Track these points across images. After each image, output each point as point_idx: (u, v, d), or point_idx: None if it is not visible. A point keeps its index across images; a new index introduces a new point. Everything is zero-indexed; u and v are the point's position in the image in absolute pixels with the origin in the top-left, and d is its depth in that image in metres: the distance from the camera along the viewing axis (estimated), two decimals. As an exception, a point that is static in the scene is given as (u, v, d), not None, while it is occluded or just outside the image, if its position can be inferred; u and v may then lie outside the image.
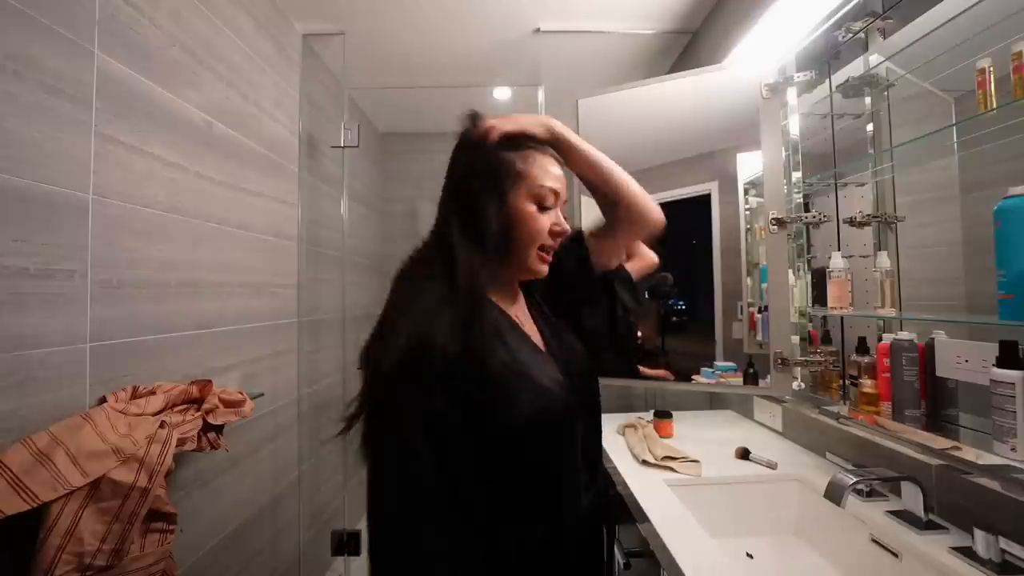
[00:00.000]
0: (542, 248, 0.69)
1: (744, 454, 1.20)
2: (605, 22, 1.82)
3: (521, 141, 0.69)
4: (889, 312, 0.95)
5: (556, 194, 0.68)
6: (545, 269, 0.70)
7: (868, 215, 1.02)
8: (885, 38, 1.00)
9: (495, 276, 0.69)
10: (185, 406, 1.06)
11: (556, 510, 0.63)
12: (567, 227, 0.69)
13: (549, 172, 0.69)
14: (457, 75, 2.22)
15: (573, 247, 0.78)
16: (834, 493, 0.81)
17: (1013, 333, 0.70)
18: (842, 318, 1.11)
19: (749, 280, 1.31)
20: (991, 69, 0.75)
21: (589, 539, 0.70)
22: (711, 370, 1.35)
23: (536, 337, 0.72)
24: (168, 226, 1.14)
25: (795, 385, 1.18)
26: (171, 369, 1.15)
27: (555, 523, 0.63)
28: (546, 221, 0.68)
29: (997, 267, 0.71)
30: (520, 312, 0.74)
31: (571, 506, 0.65)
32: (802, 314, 1.21)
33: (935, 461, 0.88)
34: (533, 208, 0.67)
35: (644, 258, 1.02)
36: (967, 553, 0.75)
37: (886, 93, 1.02)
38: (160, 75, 1.11)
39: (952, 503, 0.86)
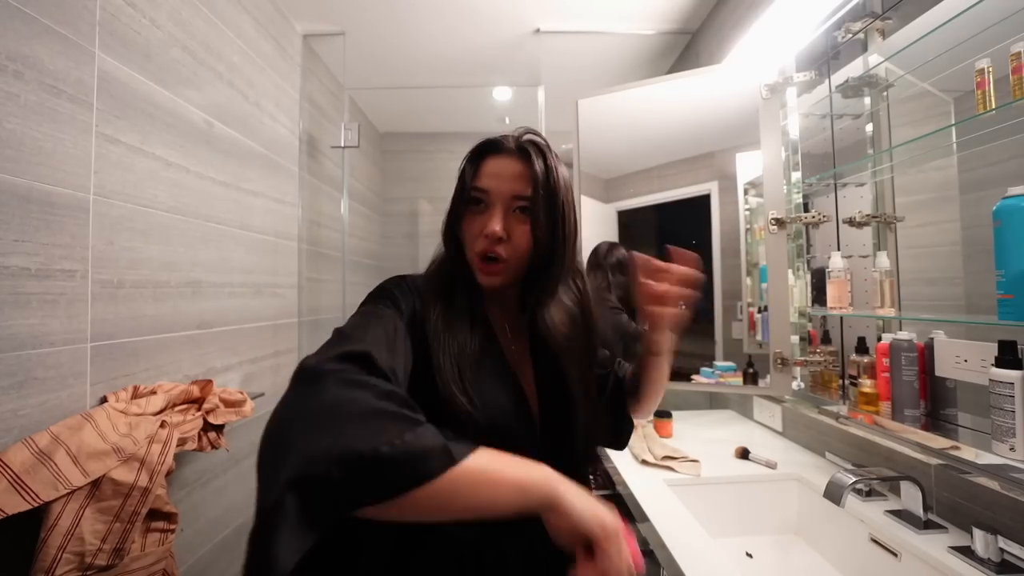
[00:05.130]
0: (480, 256, 0.63)
1: (744, 454, 1.20)
2: (605, 22, 1.82)
3: None
4: (888, 312, 0.95)
5: (485, 193, 0.62)
6: (485, 279, 0.64)
7: (867, 215, 1.02)
8: (884, 38, 1.00)
9: (473, 290, 0.65)
10: (186, 406, 1.07)
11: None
12: (494, 229, 0.61)
13: (482, 171, 0.64)
14: (457, 75, 2.22)
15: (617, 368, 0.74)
16: (833, 492, 0.81)
17: (1012, 333, 0.70)
18: (841, 318, 1.11)
19: (749, 280, 1.31)
20: (990, 69, 0.75)
21: None
22: (711, 370, 1.35)
23: (523, 364, 0.67)
24: (169, 226, 1.14)
25: (794, 385, 1.18)
26: (172, 369, 1.15)
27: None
28: (477, 225, 0.63)
29: (996, 267, 0.71)
30: (520, 336, 0.69)
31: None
32: (802, 314, 1.21)
33: (934, 461, 0.88)
34: (466, 212, 0.64)
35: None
36: (966, 552, 0.75)
37: (885, 93, 1.02)
38: (160, 75, 1.12)
39: (951, 502, 0.86)
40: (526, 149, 0.63)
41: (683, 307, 0.66)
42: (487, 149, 0.65)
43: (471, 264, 0.64)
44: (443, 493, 0.41)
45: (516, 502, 0.45)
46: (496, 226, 0.61)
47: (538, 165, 0.62)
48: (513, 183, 0.62)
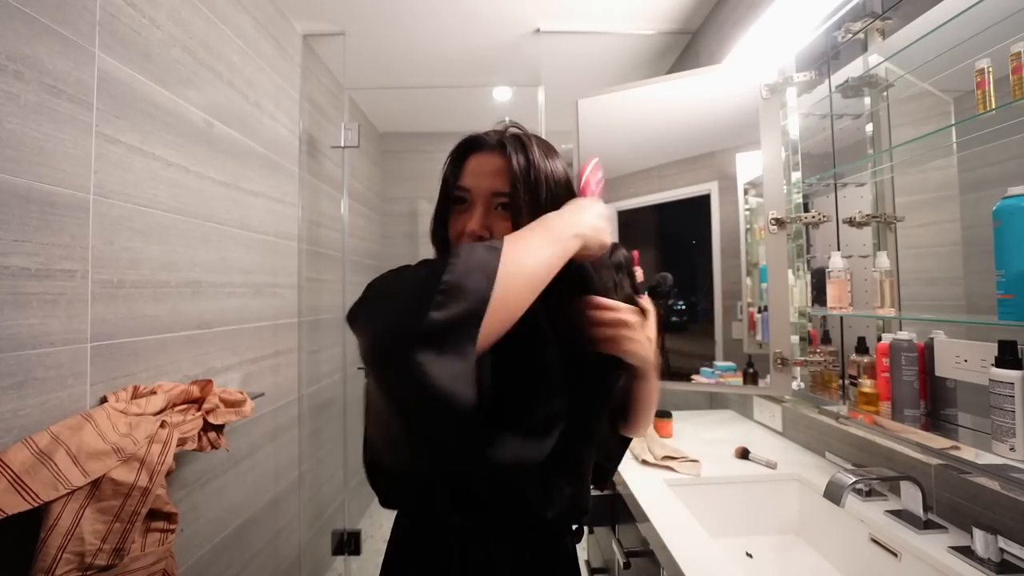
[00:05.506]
0: None
1: (744, 454, 1.20)
2: (605, 22, 1.82)
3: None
4: (888, 312, 0.95)
5: (467, 192, 0.62)
6: None
7: (867, 215, 1.02)
8: (884, 38, 1.00)
9: None
10: (186, 406, 1.07)
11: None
12: (472, 228, 0.60)
13: (464, 169, 0.63)
14: (457, 75, 2.22)
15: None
16: (833, 493, 0.81)
17: (1012, 333, 0.70)
18: (841, 318, 1.11)
19: (749, 280, 1.31)
20: (990, 69, 0.75)
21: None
22: (711, 370, 1.35)
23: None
24: (168, 226, 1.14)
25: (794, 385, 1.18)
26: (172, 369, 1.15)
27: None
28: (459, 224, 0.62)
29: (996, 267, 0.71)
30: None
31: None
32: (802, 314, 1.21)
33: (934, 461, 0.88)
34: (451, 211, 0.64)
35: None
36: (966, 552, 0.75)
37: (885, 93, 1.02)
38: (160, 75, 1.12)
39: (951, 502, 0.86)
40: (506, 145, 0.62)
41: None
42: (469, 146, 0.64)
43: None
44: (508, 294, 0.45)
45: (559, 264, 0.52)
46: (474, 225, 0.60)
47: (517, 160, 0.60)
48: (492, 179, 0.61)
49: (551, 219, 0.55)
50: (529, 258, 0.49)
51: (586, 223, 0.56)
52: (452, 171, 0.65)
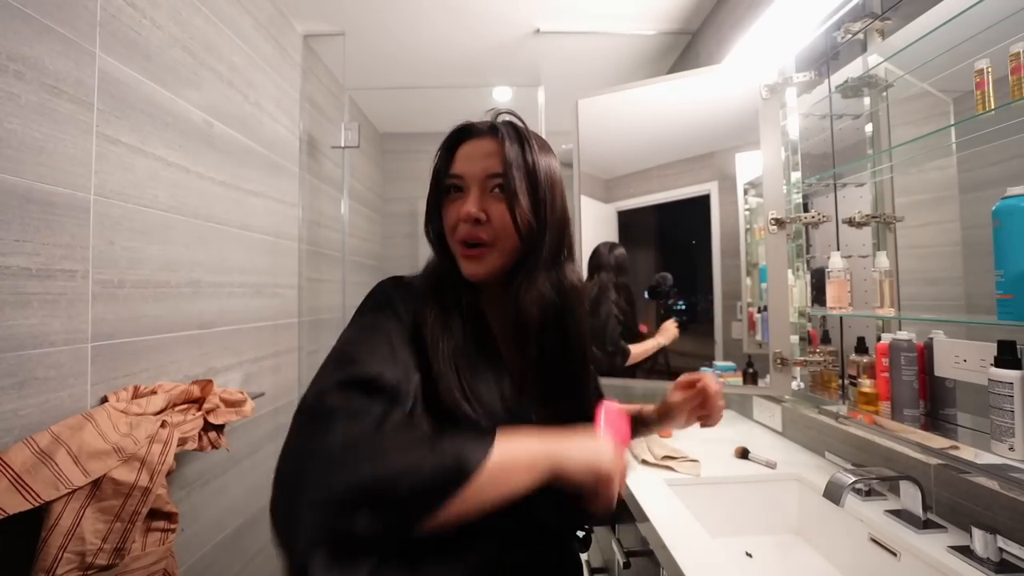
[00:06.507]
0: (460, 242, 0.61)
1: (743, 453, 1.20)
2: (605, 23, 1.83)
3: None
4: (888, 312, 0.95)
5: (460, 179, 0.61)
6: (468, 268, 0.61)
7: (867, 215, 1.02)
8: (884, 39, 1.00)
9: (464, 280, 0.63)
10: (186, 406, 1.07)
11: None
12: (469, 211, 0.59)
13: (456, 157, 0.62)
14: (457, 75, 2.22)
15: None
16: (833, 492, 0.81)
17: (1011, 333, 0.70)
18: (841, 318, 1.11)
19: (748, 280, 1.31)
20: (989, 70, 0.75)
21: None
22: (711, 370, 1.35)
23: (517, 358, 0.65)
24: (169, 226, 1.14)
25: (794, 385, 1.18)
26: (172, 369, 1.15)
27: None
28: (455, 211, 0.61)
29: (995, 267, 0.71)
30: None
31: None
32: (801, 314, 1.21)
33: (934, 460, 0.88)
34: (444, 200, 0.63)
35: None
36: (965, 552, 0.75)
37: (885, 94, 1.02)
38: (161, 75, 1.12)
39: (950, 502, 0.86)
40: (498, 129, 0.61)
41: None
42: (460, 135, 0.64)
43: (455, 254, 0.62)
44: (473, 493, 0.44)
45: (531, 482, 0.48)
46: (471, 207, 0.59)
47: (511, 142, 0.60)
48: (486, 162, 0.60)
49: (560, 448, 0.50)
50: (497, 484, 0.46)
51: (598, 459, 0.51)
52: (443, 161, 0.63)
